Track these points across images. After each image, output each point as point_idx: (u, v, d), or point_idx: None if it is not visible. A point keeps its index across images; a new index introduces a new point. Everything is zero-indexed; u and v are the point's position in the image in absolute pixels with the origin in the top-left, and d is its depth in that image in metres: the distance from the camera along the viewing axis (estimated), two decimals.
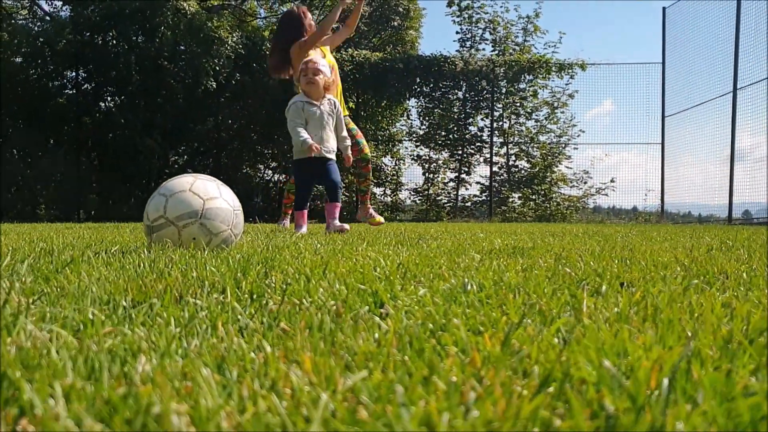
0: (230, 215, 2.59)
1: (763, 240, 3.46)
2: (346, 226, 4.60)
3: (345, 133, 4.74)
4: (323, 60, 4.61)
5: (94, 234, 4.10)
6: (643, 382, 0.56)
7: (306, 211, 4.68)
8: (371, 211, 5.95)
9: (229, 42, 12.80)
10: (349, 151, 4.80)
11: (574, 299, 1.18)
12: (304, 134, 4.38)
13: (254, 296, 1.24)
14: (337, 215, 4.67)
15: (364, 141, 5.70)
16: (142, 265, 1.71)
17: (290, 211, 5.77)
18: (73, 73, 13.53)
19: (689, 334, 0.88)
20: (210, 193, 2.55)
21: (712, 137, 12.04)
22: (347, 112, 5.65)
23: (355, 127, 5.66)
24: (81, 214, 13.08)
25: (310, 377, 0.60)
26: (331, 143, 4.57)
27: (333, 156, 4.62)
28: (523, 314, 1.04)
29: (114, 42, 13.33)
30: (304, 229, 4.55)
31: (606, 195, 14.17)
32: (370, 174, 5.87)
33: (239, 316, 1.00)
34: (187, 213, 2.47)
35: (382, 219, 6.09)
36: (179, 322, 0.94)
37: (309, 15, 5.56)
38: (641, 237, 4.00)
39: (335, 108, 4.60)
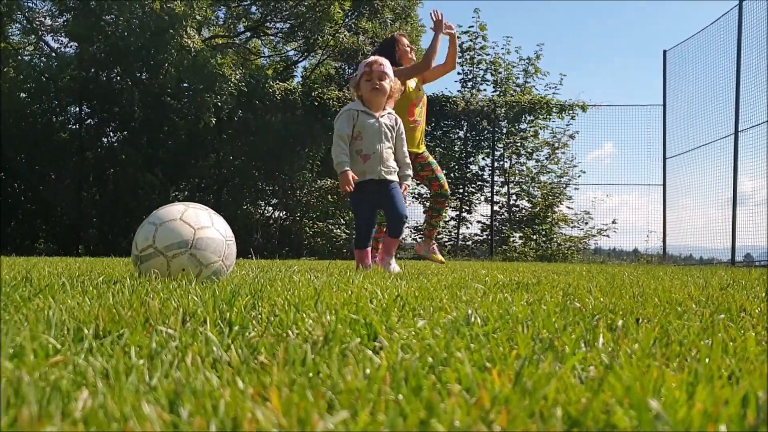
0: (222, 246, 2.47)
1: None
2: (398, 269, 3.98)
3: (407, 159, 4.08)
4: (387, 61, 4.03)
5: (86, 266, 3.98)
6: (699, 428, 0.45)
7: (369, 250, 4.00)
8: (435, 246, 5.63)
9: (232, 79, 12.87)
10: (409, 181, 4.09)
11: (590, 333, 1.06)
12: (343, 157, 3.76)
13: (236, 327, 1.12)
14: (393, 253, 4.09)
15: (443, 177, 5.34)
16: (121, 293, 1.60)
17: (379, 245, 5.20)
18: (77, 109, 13.58)
19: (728, 375, 0.77)
20: (201, 222, 2.44)
21: (714, 179, 11.98)
22: (423, 148, 5.25)
23: (434, 161, 5.30)
24: (80, 249, 12.95)
25: (278, 418, 0.48)
26: (392, 161, 3.96)
27: (396, 177, 3.96)
28: (533, 350, 0.92)
29: (118, 78, 13.41)
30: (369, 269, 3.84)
31: (607, 236, 14.04)
32: (444, 212, 5.58)
33: (214, 347, 0.88)
34: (177, 243, 2.36)
35: (443, 259, 5.71)
36: (142, 353, 0.83)
37: (404, 41, 5.20)
38: (648, 275, 3.87)
39: (396, 124, 4.00)
